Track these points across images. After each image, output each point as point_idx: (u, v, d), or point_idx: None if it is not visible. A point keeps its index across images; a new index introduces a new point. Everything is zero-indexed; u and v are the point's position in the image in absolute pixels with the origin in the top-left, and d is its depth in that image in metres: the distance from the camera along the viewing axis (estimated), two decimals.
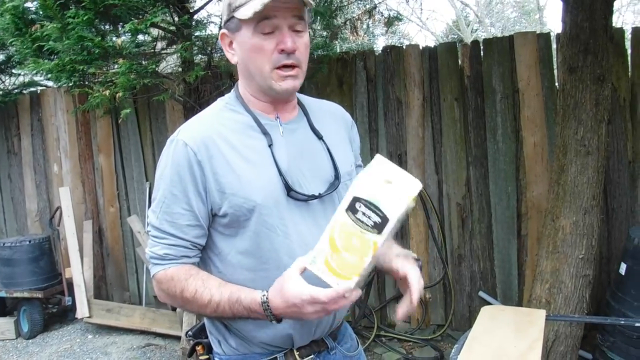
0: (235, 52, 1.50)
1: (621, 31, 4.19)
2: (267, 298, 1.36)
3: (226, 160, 1.44)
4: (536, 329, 2.46)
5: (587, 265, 3.35)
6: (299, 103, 1.63)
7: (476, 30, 18.46)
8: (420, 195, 4.64)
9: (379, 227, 1.27)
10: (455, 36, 17.19)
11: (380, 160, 1.30)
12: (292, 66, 1.44)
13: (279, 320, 1.38)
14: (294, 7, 1.41)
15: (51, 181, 6.07)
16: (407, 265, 1.47)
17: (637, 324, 2.98)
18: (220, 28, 1.58)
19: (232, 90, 1.59)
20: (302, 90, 1.59)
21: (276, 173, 1.46)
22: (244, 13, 1.39)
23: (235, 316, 1.43)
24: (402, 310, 1.43)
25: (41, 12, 3.82)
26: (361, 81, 4.80)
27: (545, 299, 3.38)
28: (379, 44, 12.81)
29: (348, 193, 1.28)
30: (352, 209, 1.27)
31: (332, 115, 1.69)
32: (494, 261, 4.57)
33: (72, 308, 5.34)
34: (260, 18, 1.39)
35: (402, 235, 4.77)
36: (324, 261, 1.29)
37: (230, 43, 1.51)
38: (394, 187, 1.27)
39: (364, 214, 1.27)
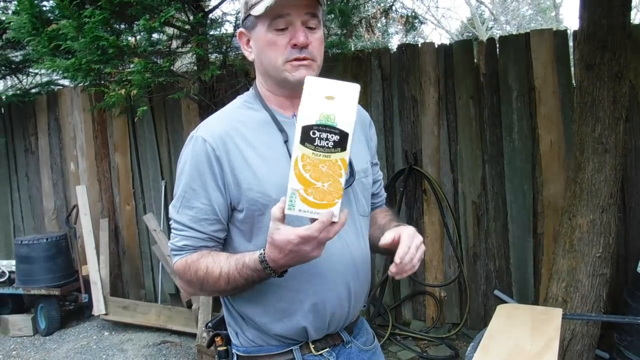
0: (252, 49, 1.54)
1: (639, 28, 4.15)
2: (264, 256, 1.36)
3: (243, 156, 1.46)
4: (552, 328, 2.44)
5: (604, 264, 3.32)
6: None
7: (491, 28, 18.38)
8: (435, 193, 4.63)
9: (340, 144, 1.24)
10: (470, 34, 17.12)
11: (310, 81, 1.26)
12: (304, 59, 1.47)
13: (281, 274, 1.39)
14: (307, 5, 1.44)
15: (68, 180, 6.13)
16: (401, 228, 1.48)
17: None
18: (236, 27, 1.60)
19: (251, 89, 1.62)
20: None
21: None
22: (258, 9, 1.42)
23: (247, 282, 1.42)
24: (391, 269, 1.42)
25: (57, 12, 3.85)
26: (376, 79, 4.79)
27: (561, 297, 3.36)
28: (394, 43, 12.78)
29: (296, 127, 1.24)
30: (307, 139, 1.24)
31: None
32: (510, 260, 4.55)
33: (89, 305, 5.39)
34: (275, 15, 1.43)
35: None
36: (300, 200, 1.27)
37: (248, 41, 1.54)
38: (336, 99, 1.24)
39: (320, 138, 1.24)
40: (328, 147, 1.24)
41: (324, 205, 1.27)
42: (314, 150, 1.24)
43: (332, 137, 1.23)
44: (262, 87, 1.58)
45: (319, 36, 1.49)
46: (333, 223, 1.27)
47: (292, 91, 1.53)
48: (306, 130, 1.23)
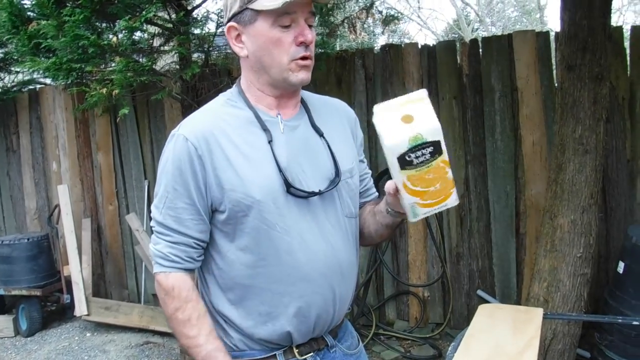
0: (245, 45, 1.49)
1: (620, 30, 4.18)
2: None
3: (226, 155, 1.44)
4: (533, 327, 2.45)
5: (585, 264, 3.35)
6: (302, 100, 1.62)
7: (477, 29, 18.46)
8: None
9: (437, 152, 1.29)
10: (456, 35, 17.19)
11: (379, 111, 1.32)
12: (309, 58, 1.46)
13: None
14: (309, 3, 1.44)
15: (50, 179, 6.08)
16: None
17: (634, 323, 2.98)
18: (219, 25, 1.58)
19: (234, 86, 1.59)
20: (303, 87, 1.59)
21: (275, 169, 1.45)
22: (267, 3, 1.39)
23: None
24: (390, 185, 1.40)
25: (37, 10, 3.81)
26: (360, 79, 4.79)
27: (543, 297, 3.38)
28: (380, 43, 12.80)
29: (389, 159, 1.28)
30: (405, 164, 1.28)
31: (335, 112, 1.69)
32: (493, 260, 4.57)
33: (71, 306, 5.33)
34: (281, 12, 1.40)
35: (400, 234, 4.77)
36: (421, 207, 1.34)
37: (238, 36, 1.49)
38: (414, 115, 1.29)
39: (417, 157, 1.28)
40: (427, 160, 1.28)
41: (442, 200, 1.34)
42: (416, 168, 1.29)
43: (427, 150, 1.28)
44: (250, 85, 1.54)
45: (314, 35, 1.49)
46: None
47: (286, 92, 1.53)
48: (401, 158, 1.28)
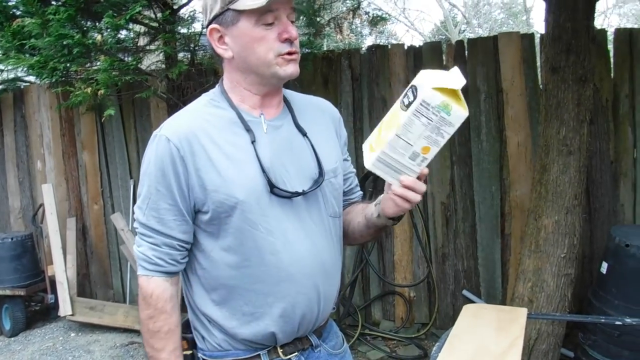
0: (229, 46, 1.48)
1: (604, 32, 4.22)
2: None
3: (208, 156, 1.44)
4: (517, 327, 2.47)
5: (569, 264, 3.37)
6: (284, 99, 1.62)
7: (464, 31, 18.56)
8: None
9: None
10: (443, 37, 17.25)
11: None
12: (295, 52, 1.46)
13: None
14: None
15: (34, 178, 6.03)
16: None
17: (617, 322, 3.00)
18: (202, 26, 1.57)
19: (217, 86, 1.58)
20: (286, 87, 1.59)
21: (259, 170, 1.45)
22: (250, 3, 1.39)
23: None
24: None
25: (22, 8, 3.78)
26: (346, 80, 4.80)
27: (527, 297, 3.40)
28: (368, 44, 12.82)
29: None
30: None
31: (319, 111, 1.69)
32: (478, 260, 4.59)
33: (55, 306, 5.29)
34: (264, 10, 1.40)
35: (386, 234, 4.78)
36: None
37: (221, 38, 1.48)
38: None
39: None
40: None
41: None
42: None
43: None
44: (237, 86, 1.53)
45: (296, 30, 1.49)
46: None
47: (273, 88, 1.53)
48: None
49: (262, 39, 1.42)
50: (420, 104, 1.30)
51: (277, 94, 1.57)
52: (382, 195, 1.50)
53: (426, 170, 1.40)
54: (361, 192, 1.82)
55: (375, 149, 1.38)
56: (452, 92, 1.30)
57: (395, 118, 1.36)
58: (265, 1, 1.36)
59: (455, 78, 1.32)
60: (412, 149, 1.35)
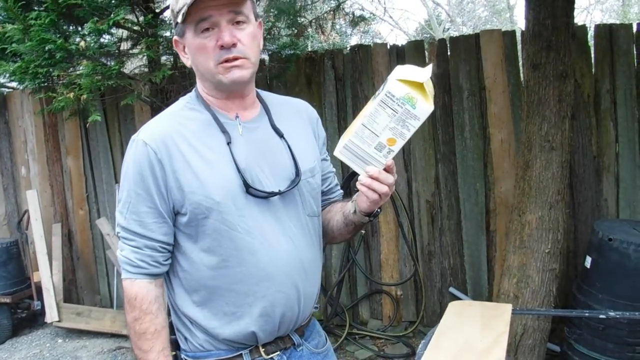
0: (188, 55, 1.53)
1: (584, 28, 4.25)
2: None
3: (185, 159, 1.45)
4: (502, 323, 2.49)
5: (554, 260, 3.40)
6: (261, 101, 1.64)
7: (448, 29, 18.60)
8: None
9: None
10: (428, 35, 17.29)
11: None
12: (235, 59, 1.45)
13: None
14: (228, 3, 1.43)
15: (19, 184, 5.98)
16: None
17: (601, 316, 3.04)
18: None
19: (193, 90, 1.60)
20: (270, 89, 1.60)
21: (234, 171, 1.47)
22: (181, 17, 1.43)
23: None
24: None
25: (3, 14, 3.76)
26: (330, 80, 4.80)
27: (513, 293, 3.42)
28: (352, 43, 12.84)
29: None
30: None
31: (296, 112, 1.71)
32: (464, 257, 4.61)
33: (42, 312, 5.26)
34: (198, 19, 1.42)
35: (372, 233, 4.79)
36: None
37: (184, 48, 1.53)
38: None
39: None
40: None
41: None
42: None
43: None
44: (202, 91, 1.57)
45: (249, 32, 1.47)
46: None
47: (230, 93, 1.53)
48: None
49: (202, 48, 1.45)
50: (385, 95, 1.33)
51: (244, 95, 1.58)
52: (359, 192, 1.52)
53: (391, 162, 1.42)
54: (341, 192, 1.84)
55: (344, 137, 1.42)
56: (418, 86, 1.33)
57: (365, 109, 1.40)
58: (185, 6, 1.39)
59: (423, 73, 1.35)
60: (378, 139, 1.38)
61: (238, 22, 1.45)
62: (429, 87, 1.36)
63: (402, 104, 1.33)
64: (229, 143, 1.49)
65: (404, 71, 1.35)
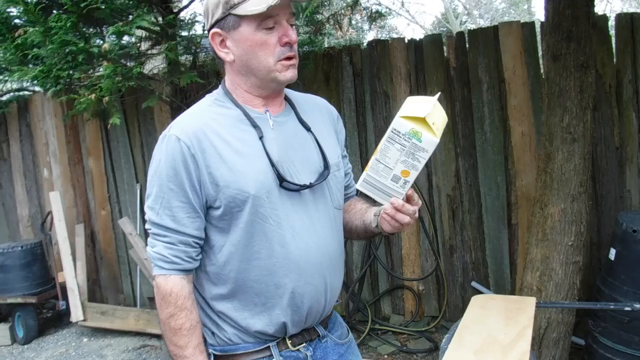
0: (231, 50, 1.52)
1: (604, 18, 4.21)
2: None
3: (218, 153, 1.47)
4: (526, 317, 2.47)
5: (577, 252, 3.37)
6: (286, 97, 1.67)
7: (465, 22, 18.48)
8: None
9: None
10: (445, 29, 17.19)
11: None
12: (293, 57, 1.50)
13: None
14: (289, 4, 1.48)
15: (42, 186, 6.06)
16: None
17: (626, 308, 3.00)
18: (203, 29, 1.60)
19: (220, 87, 1.62)
20: (288, 86, 1.62)
21: (268, 164, 1.49)
22: (251, 8, 1.42)
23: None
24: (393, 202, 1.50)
25: (24, 18, 3.80)
26: (348, 76, 4.80)
27: (536, 286, 3.39)
28: (369, 39, 12.81)
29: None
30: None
31: (318, 108, 1.74)
32: (486, 251, 4.59)
33: (67, 312, 5.33)
34: (265, 15, 1.43)
35: None
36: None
37: (222, 41, 1.52)
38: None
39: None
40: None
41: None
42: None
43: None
44: (237, 88, 1.57)
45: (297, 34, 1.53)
46: None
47: (274, 91, 1.57)
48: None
49: (263, 44, 1.46)
50: (392, 131, 1.41)
51: (279, 95, 1.62)
52: (382, 207, 1.56)
53: (411, 192, 1.49)
54: (355, 188, 1.87)
55: (365, 171, 1.49)
56: (421, 121, 1.39)
57: (379, 144, 1.46)
58: (266, 7, 1.39)
59: (426, 106, 1.41)
60: (392, 172, 1.45)
61: (291, 25, 1.50)
62: (434, 118, 1.41)
63: (408, 138, 1.39)
64: (261, 137, 1.51)
65: (410, 106, 1.43)
